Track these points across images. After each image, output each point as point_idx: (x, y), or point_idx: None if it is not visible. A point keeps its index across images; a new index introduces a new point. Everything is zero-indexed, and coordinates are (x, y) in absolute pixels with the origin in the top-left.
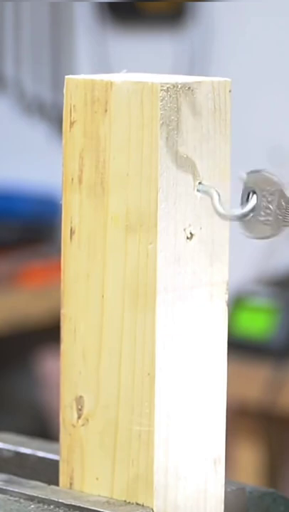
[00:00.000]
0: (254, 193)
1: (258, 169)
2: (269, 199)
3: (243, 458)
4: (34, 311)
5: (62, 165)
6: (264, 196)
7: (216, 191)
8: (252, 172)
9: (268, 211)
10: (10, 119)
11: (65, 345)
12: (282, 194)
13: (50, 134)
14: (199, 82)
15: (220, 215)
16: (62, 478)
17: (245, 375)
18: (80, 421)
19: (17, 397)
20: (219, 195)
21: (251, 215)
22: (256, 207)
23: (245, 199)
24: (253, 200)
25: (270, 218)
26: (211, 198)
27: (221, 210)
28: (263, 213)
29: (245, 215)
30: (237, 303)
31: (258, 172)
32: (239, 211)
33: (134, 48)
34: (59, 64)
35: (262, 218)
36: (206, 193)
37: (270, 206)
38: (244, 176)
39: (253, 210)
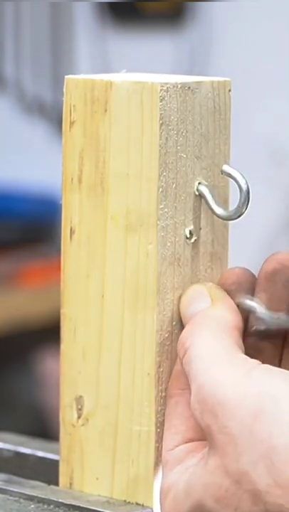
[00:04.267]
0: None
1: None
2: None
3: None
4: (34, 311)
5: (62, 165)
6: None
7: (212, 192)
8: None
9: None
10: (10, 119)
11: (65, 345)
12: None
13: (50, 134)
14: (199, 82)
15: (217, 215)
16: (62, 478)
17: None
18: (79, 421)
19: (17, 397)
20: (214, 196)
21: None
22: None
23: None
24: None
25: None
26: (207, 199)
27: (217, 210)
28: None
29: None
30: None
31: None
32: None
33: (134, 48)
34: (59, 64)
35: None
36: (204, 193)
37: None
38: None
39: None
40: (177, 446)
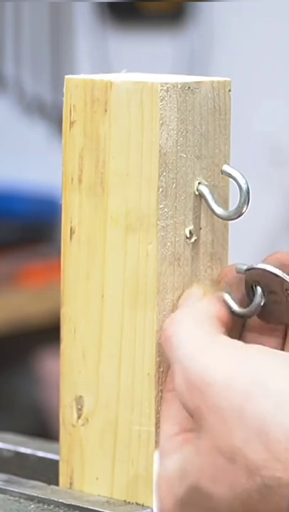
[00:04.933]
0: (257, 285)
1: (257, 267)
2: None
3: None
4: (34, 311)
5: (62, 165)
6: (270, 291)
7: (212, 192)
8: (252, 268)
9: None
10: (10, 119)
11: (65, 345)
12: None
13: (50, 134)
14: (199, 82)
15: (217, 215)
16: (62, 478)
17: None
18: (79, 421)
19: (17, 397)
20: (214, 196)
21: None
22: (263, 300)
23: (250, 292)
24: (259, 295)
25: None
26: (207, 199)
27: (217, 210)
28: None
29: (254, 311)
30: None
31: (259, 269)
32: (248, 309)
33: (134, 48)
34: (59, 64)
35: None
36: (204, 193)
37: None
38: (242, 269)
39: (260, 304)
40: (174, 436)
